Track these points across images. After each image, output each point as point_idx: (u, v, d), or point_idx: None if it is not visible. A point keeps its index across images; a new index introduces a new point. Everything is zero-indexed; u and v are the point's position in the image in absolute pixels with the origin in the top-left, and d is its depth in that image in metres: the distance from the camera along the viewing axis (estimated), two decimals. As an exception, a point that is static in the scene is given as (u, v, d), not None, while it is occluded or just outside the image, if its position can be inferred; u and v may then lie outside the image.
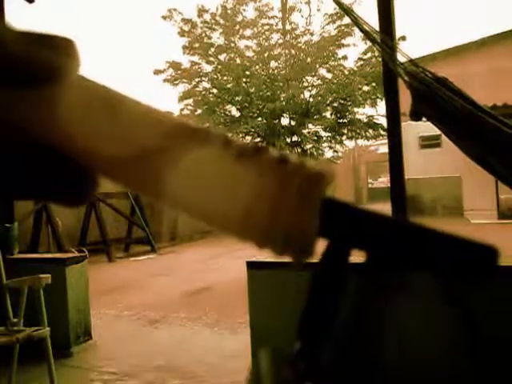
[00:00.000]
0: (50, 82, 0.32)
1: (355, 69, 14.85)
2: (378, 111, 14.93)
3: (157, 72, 15.30)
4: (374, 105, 14.72)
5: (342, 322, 0.35)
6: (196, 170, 0.33)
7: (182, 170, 0.33)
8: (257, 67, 15.07)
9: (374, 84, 14.17)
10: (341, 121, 14.79)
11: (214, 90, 15.20)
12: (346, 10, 3.56)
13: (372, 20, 3.26)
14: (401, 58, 3.13)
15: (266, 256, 3.64)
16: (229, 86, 14.81)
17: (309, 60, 14.64)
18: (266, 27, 15.65)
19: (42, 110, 0.33)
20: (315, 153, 14.58)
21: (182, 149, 0.33)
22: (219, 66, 15.13)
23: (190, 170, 0.33)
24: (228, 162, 0.33)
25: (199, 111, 15.22)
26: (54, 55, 0.32)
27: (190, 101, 15.37)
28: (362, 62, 14.88)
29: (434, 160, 16.58)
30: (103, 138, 0.33)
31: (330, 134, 15.01)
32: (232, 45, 15.24)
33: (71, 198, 0.36)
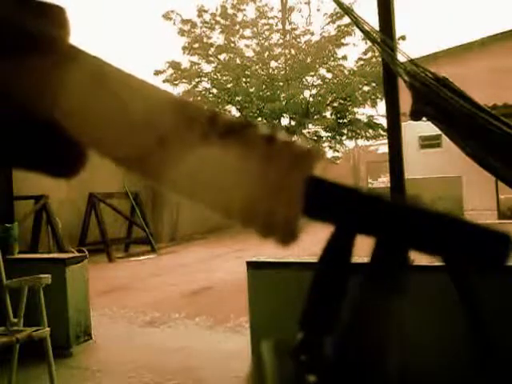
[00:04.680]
0: (39, 50, 0.31)
1: (355, 69, 14.85)
2: (378, 111, 14.94)
3: (157, 72, 15.30)
4: (374, 105, 14.73)
5: (346, 315, 0.34)
6: (182, 147, 0.32)
7: (169, 148, 0.32)
8: (257, 67, 15.06)
9: (374, 84, 14.17)
10: (341, 121, 14.79)
11: (214, 90, 15.20)
12: (346, 10, 3.55)
13: (372, 20, 3.26)
14: (401, 58, 3.13)
15: (265, 256, 3.64)
16: (229, 86, 14.81)
17: (309, 60, 14.64)
18: (266, 27, 15.66)
19: (32, 79, 0.32)
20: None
21: (170, 124, 0.33)
22: (219, 66, 15.13)
23: (177, 148, 0.32)
24: (214, 140, 0.32)
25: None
26: (44, 23, 0.31)
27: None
28: (362, 62, 14.88)
29: (433, 160, 16.55)
30: (93, 109, 0.33)
31: (330, 134, 15.02)
32: (232, 45, 15.23)
33: (59, 169, 0.35)
